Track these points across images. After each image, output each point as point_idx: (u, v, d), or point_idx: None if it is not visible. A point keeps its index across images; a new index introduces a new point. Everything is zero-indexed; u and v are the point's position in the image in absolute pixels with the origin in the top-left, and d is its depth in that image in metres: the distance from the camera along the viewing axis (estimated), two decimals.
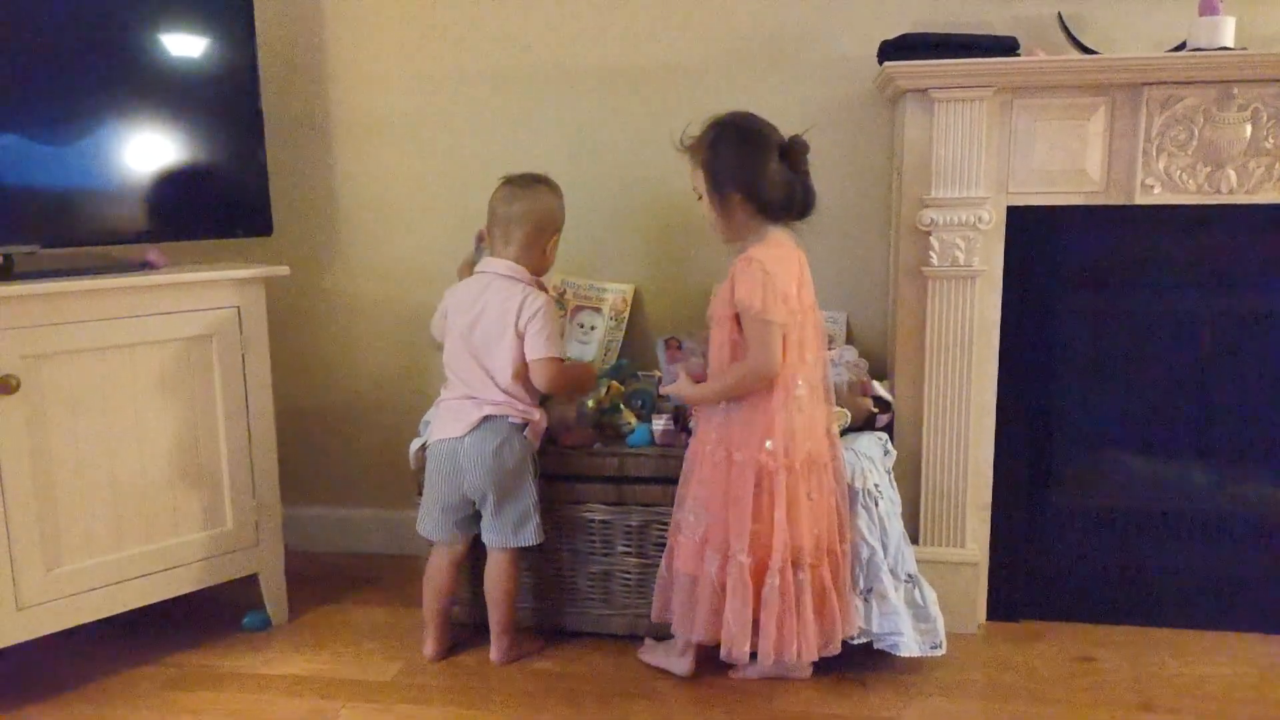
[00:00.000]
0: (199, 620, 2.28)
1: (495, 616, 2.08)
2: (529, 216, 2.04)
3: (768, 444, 1.84)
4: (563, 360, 2.04)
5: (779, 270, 1.82)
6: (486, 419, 1.99)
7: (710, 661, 1.99)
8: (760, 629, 1.87)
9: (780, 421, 1.84)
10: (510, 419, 2.01)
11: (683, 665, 2.01)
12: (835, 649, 1.91)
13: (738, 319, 1.84)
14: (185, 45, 2.19)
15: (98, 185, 2.11)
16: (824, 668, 2.00)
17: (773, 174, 1.84)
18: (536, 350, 1.99)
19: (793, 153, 1.85)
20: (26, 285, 1.86)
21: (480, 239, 2.18)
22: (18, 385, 1.84)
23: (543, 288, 2.07)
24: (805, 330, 1.88)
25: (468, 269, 2.14)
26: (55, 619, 1.94)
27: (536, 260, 2.06)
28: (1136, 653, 2.11)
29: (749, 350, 1.83)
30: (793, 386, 1.86)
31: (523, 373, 2.01)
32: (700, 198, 1.91)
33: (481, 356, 2.01)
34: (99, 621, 2.01)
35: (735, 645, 1.86)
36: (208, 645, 2.19)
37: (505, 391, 2.01)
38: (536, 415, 2.04)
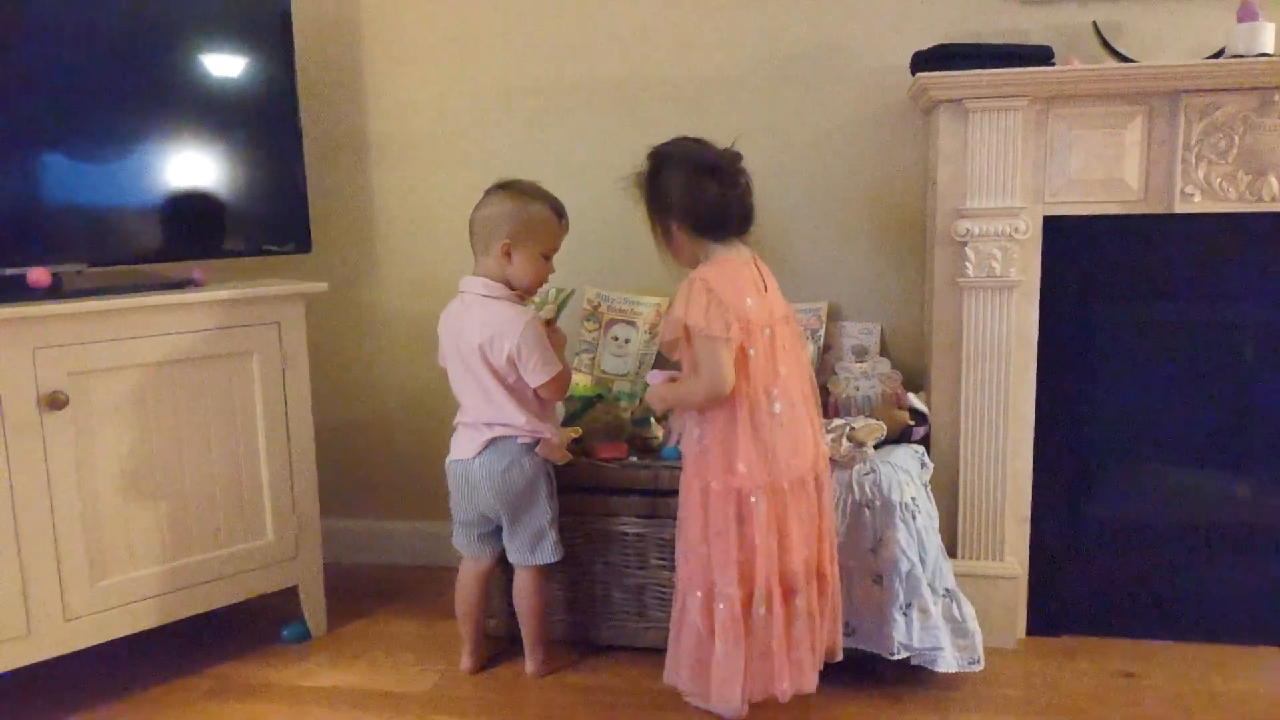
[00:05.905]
0: (240, 632, 2.31)
1: (526, 630, 2.09)
2: (476, 223, 2.01)
3: (740, 467, 1.76)
4: (559, 369, 1.98)
5: (724, 286, 1.76)
6: (495, 440, 1.98)
7: None
8: (746, 666, 1.78)
9: (753, 441, 1.77)
10: (518, 439, 1.99)
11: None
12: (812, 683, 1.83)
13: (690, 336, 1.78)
14: (226, 66, 2.24)
15: (142, 204, 2.16)
16: (861, 684, 1.99)
17: (702, 194, 1.80)
18: (537, 379, 1.96)
19: (720, 169, 1.81)
20: (74, 304, 1.91)
21: None
22: (66, 401, 1.89)
23: (520, 300, 2.02)
24: (775, 341, 1.80)
25: None
26: (101, 630, 1.98)
27: (492, 269, 1.99)
28: (1178, 669, 2.07)
29: (699, 367, 1.77)
30: (764, 402, 1.78)
31: (518, 391, 1.98)
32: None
33: (473, 380, 1.99)
34: (142, 632, 2.04)
35: (723, 691, 1.78)
36: (248, 657, 2.22)
37: (507, 412, 1.97)
38: (548, 432, 2.02)
